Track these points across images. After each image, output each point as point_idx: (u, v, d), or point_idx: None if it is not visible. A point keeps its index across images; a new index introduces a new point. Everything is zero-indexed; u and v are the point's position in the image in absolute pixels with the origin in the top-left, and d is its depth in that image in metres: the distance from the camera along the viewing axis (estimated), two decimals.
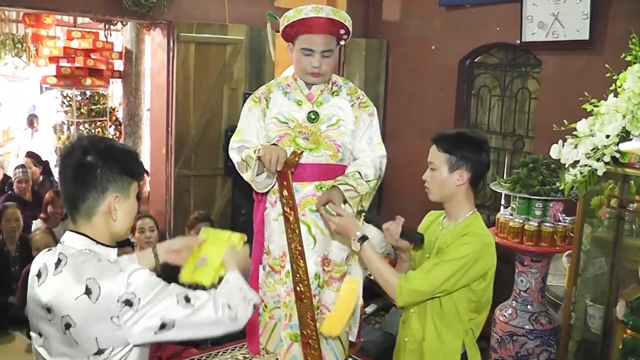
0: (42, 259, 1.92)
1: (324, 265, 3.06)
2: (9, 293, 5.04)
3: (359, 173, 2.94)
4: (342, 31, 2.95)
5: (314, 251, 3.02)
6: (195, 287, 2.04)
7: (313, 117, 3.01)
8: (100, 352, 1.79)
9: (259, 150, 2.81)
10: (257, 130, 3.09)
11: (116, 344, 1.80)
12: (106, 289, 1.76)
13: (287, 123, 3.01)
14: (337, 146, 3.01)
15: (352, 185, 2.89)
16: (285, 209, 2.91)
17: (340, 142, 3.01)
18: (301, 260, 2.91)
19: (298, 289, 2.95)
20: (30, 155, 8.22)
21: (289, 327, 3.06)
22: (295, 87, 3.08)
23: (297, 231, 2.90)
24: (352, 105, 3.06)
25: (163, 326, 1.79)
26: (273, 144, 2.89)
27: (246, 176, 3.01)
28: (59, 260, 1.85)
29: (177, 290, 1.87)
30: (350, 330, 3.24)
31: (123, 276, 1.78)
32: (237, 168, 3.08)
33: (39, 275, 1.89)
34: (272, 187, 3.02)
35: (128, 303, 1.75)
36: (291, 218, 2.89)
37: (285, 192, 2.88)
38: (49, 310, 1.83)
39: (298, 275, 2.94)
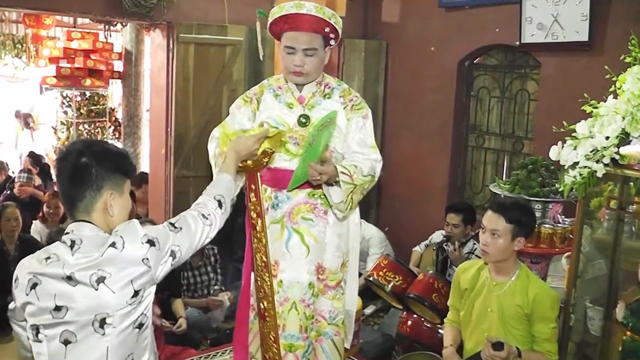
0: (52, 250, 2.00)
1: (319, 273, 2.99)
2: (7, 293, 5.01)
3: (355, 166, 2.81)
4: (327, 29, 2.83)
5: (308, 260, 2.95)
6: None
7: (304, 121, 2.91)
8: (136, 294, 1.95)
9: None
10: (244, 128, 2.97)
11: (147, 285, 1.98)
12: (128, 238, 1.95)
13: (277, 128, 2.90)
14: (330, 151, 2.91)
15: (349, 171, 2.75)
16: (252, 214, 2.75)
17: (332, 147, 2.92)
18: (266, 274, 2.79)
19: (262, 305, 2.83)
20: (31, 155, 8.22)
21: (282, 337, 2.96)
22: (287, 89, 2.99)
23: (263, 241, 2.77)
24: (344, 108, 2.95)
25: (173, 255, 2.05)
26: None
27: (215, 172, 2.91)
28: (73, 243, 1.96)
29: (166, 224, 2.12)
30: (346, 337, 3.19)
31: (133, 225, 1.99)
32: (210, 161, 3.00)
33: (47, 258, 1.97)
34: (265, 193, 2.95)
35: (151, 243, 1.97)
36: (258, 226, 2.76)
37: (252, 197, 2.74)
38: (70, 278, 1.90)
39: (262, 291, 2.81)
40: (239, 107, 3.06)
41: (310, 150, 2.66)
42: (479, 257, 4.73)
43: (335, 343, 3.08)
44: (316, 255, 2.97)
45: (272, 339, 2.85)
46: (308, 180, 2.75)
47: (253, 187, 2.75)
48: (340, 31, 2.89)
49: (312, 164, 2.66)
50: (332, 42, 2.93)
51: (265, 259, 2.77)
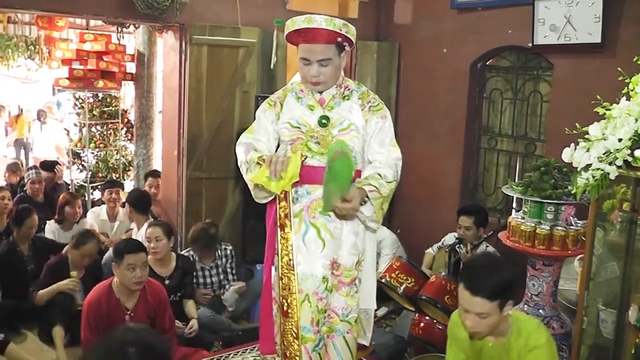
0: None
1: (333, 269, 3.05)
2: (24, 293, 5.05)
3: (379, 174, 2.89)
4: (339, 39, 2.91)
5: (323, 254, 3.01)
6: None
7: (324, 121, 3.02)
8: None
9: (263, 157, 2.85)
10: (269, 133, 3.11)
11: None
12: None
13: (299, 128, 3.03)
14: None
15: (375, 186, 2.82)
16: (282, 215, 2.86)
17: (351, 146, 2.99)
18: (292, 272, 2.87)
19: (285, 302, 2.91)
20: (44, 166, 8.22)
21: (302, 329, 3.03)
22: (308, 92, 3.09)
23: (290, 241, 2.87)
24: (362, 110, 3.05)
25: None
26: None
27: (247, 178, 3.00)
28: None
29: None
30: (365, 335, 3.24)
31: None
32: (238, 165, 3.07)
33: None
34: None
35: None
36: (287, 227, 2.86)
37: (282, 199, 2.84)
38: None
39: (287, 289, 2.89)
40: (264, 111, 3.17)
41: (331, 180, 2.73)
42: None
43: (347, 340, 3.11)
44: (331, 251, 3.03)
45: (294, 335, 2.91)
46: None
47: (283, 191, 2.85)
48: (353, 39, 2.97)
49: (337, 204, 2.72)
50: (347, 48, 3.02)
51: (291, 257, 2.87)
